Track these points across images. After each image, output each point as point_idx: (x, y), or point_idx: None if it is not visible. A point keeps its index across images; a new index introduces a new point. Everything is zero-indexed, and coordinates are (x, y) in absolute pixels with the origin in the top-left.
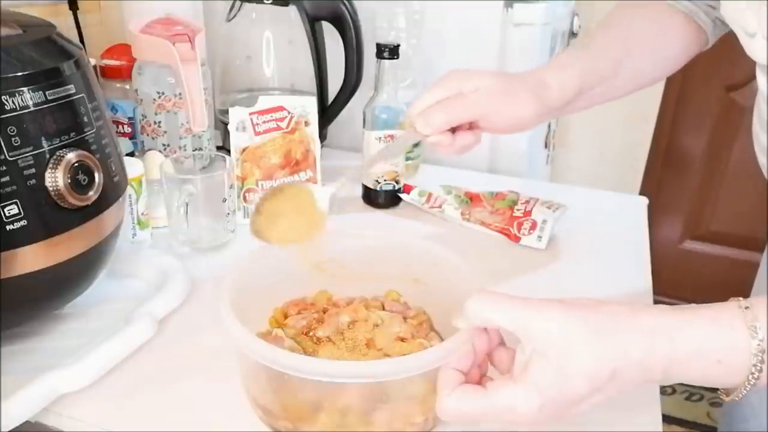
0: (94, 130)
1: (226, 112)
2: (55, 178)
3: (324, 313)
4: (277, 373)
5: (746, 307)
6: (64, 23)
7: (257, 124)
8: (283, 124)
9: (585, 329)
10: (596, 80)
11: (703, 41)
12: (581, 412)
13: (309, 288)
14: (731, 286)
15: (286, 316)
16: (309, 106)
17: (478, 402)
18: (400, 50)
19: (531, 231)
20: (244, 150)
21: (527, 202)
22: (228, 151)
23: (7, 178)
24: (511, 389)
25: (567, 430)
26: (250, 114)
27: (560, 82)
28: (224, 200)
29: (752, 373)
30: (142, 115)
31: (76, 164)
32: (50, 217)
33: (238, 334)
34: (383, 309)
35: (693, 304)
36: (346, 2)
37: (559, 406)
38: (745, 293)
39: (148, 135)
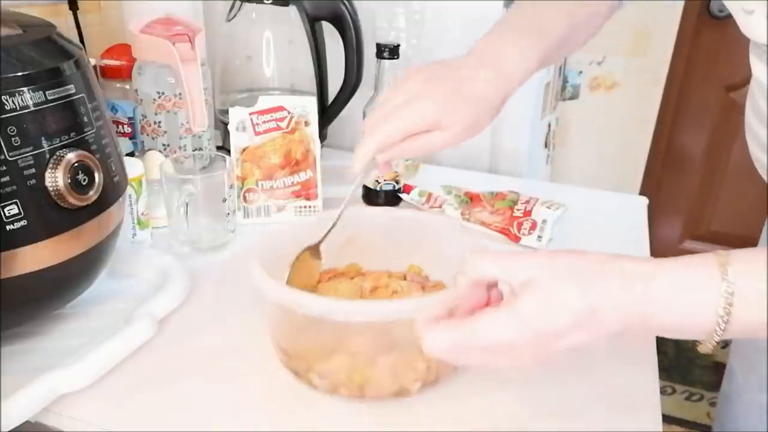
0: (94, 130)
1: (226, 112)
2: (55, 178)
3: (351, 279)
4: (297, 319)
5: (723, 255)
6: (64, 23)
7: (257, 124)
8: (283, 124)
9: (570, 270)
10: (552, 53)
11: None
12: (562, 351)
13: (339, 261)
14: None
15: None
16: (309, 106)
17: (460, 329)
18: (400, 50)
19: (531, 231)
20: (244, 150)
21: (527, 202)
22: (228, 151)
23: (7, 178)
24: (495, 314)
25: (567, 430)
26: (250, 114)
27: (524, 76)
28: (224, 200)
29: (721, 316)
30: (142, 115)
31: (76, 164)
32: (50, 217)
33: (263, 280)
34: (404, 280)
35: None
36: (346, 2)
37: (539, 336)
38: None
39: (148, 135)
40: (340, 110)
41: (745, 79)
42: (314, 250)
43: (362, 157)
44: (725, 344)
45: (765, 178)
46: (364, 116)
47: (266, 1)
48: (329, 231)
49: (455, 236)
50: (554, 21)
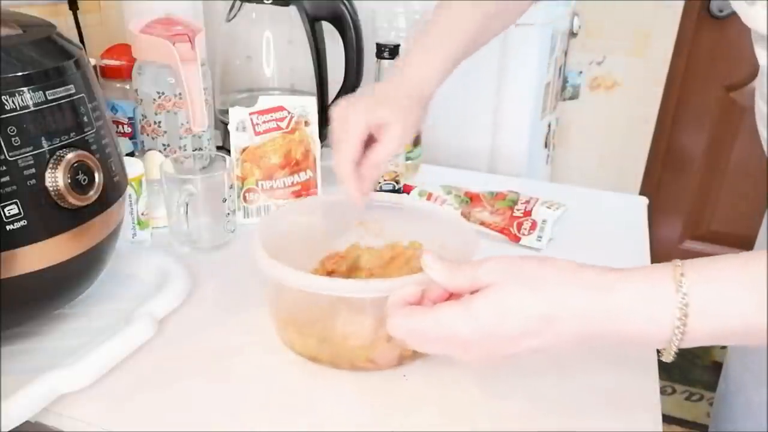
0: (94, 130)
1: (226, 112)
2: (55, 178)
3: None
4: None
5: (679, 265)
6: (64, 23)
7: (257, 124)
8: (283, 124)
9: (529, 276)
10: (466, 55)
11: None
12: (519, 356)
13: (344, 244)
14: None
15: (328, 272)
16: (309, 106)
17: (423, 318)
18: (400, 50)
19: (531, 231)
20: (244, 150)
21: (527, 202)
22: (228, 151)
23: (7, 178)
24: (456, 310)
25: (567, 430)
26: (250, 114)
27: (436, 85)
28: (224, 200)
29: (677, 327)
30: (142, 115)
31: (76, 164)
32: (50, 217)
33: (261, 257)
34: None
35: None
36: (346, 2)
37: (493, 341)
38: None
39: (148, 135)
40: None
41: (745, 79)
42: None
43: (349, 185)
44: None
45: None
46: None
47: (266, 1)
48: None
49: (453, 227)
50: (464, 23)
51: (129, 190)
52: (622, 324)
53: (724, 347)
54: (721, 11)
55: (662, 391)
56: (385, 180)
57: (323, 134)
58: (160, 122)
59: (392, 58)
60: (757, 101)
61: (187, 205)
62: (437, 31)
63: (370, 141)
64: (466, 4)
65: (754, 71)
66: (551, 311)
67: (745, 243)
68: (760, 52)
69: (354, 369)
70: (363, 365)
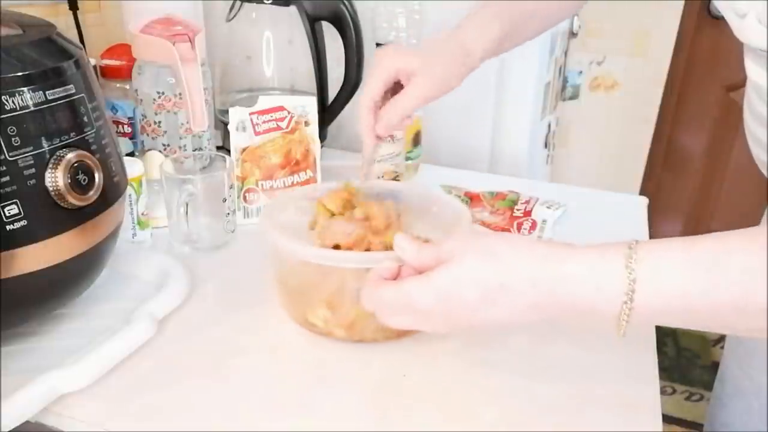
0: (94, 130)
1: (226, 112)
2: (55, 178)
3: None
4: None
5: (634, 242)
6: (64, 23)
7: (257, 124)
8: (283, 124)
9: (486, 249)
10: (513, 30)
11: None
12: (479, 326)
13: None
14: None
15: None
16: (309, 106)
17: (388, 289)
18: None
19: (531, 231)
20: (244, 150)
21: (527, 202)
22: (228, 151)
23: (7, 178)
24: (418, 281)
25: (567, 430)
26: (250, 114)
27: (483, 46)
28: (224, 200)
29: (625, 302)
30: (142, 115)
31: (76, 164)
32: (50, 217)
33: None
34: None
35: None
36: (346, 2)
37: (451, 310)
38: None
39: (148, 135)
40: (340, 110)
41: (745, 80)
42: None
43: (364, 122)
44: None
45: (767, 175)
46: None
47: (266, 1)
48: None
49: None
50: (509, 8)
51: (129, 190)
52: (571, 293)
53: (722, 347)
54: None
55: (662, 391)
56: (385, 180)
57: (323, 134)
58: (160, 122)
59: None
60: (748, 123)
61: (187, 205)
62: (488, 5)
63: (399, 88)
64: None
65: None
66: (504, 280)
67: None
68: (751, 66)
69: (363, 340)
70: (371, 335)
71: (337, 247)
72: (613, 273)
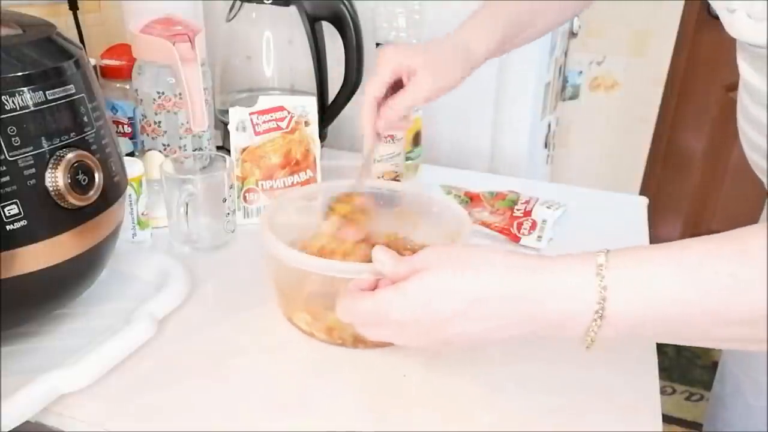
0: (94, 130)
1: (226, 112)
2: (55, 178)
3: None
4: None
5: (604, 252)
6: (64, 23)
7: (257, 124)
8: (283, 124)
9: (459, 261)
10: (515, 31)
11: None
12: (451, 341)
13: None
14: None
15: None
16: (309, 106)
17: (363, 301)
18: None
19: (531, 231)
20: (244, 150)
21: (527, 202)
22: (228, 151)
23: (7, 178)
24: (390, 292)
25: (567, 430)
26: (250, 114)
27: (486, 46)
28: (224, 200)
29: (596, 311)
30: (142, 115)
31: (76, 164)
32: (50, 217)
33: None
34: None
35: None
36: (346, 2)
37: (423, 322)
38: None
39: (148, 135)
40: (340, 110)
41: None
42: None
43: (367, 119)
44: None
45: (763, 180)
46: None
47: (266, 1)
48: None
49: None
50: (509, 11)
51: (129, 190)
52: (542, 303)
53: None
54: None
55: (662, 391)
56: (385, 180)
57: (323, 134)
58: (160, 122)
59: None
60: (741, 124)
61: (187, 205)
62: (491, 9)
63: (401, 85)
64: None
65: None
66: (476, 292)
67: None
68: (743, 66)
69: (345, 344)
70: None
71: (322, 250)
72: (584, 282)
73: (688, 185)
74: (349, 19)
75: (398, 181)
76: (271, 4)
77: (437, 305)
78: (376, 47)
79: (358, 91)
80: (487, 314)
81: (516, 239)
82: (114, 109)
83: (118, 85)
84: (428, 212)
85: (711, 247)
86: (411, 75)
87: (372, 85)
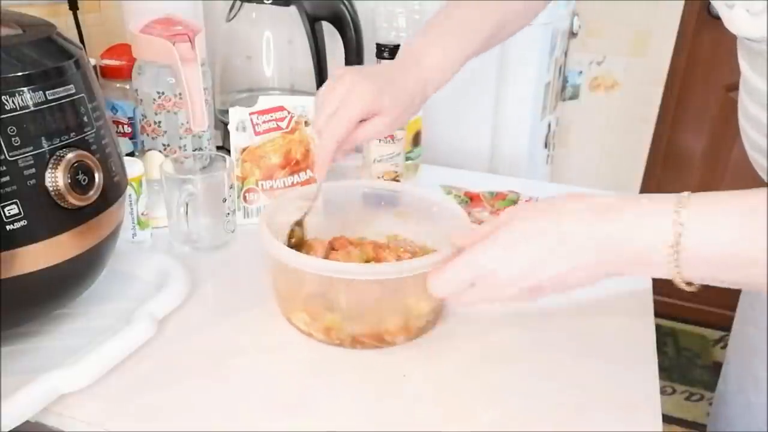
0: (94, 130)
1: (226, 112)
2: (55, 178)
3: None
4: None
5: (686, 195)
6: (64, 23)
7: (257, 124)
8: (283, 124)
9: (543, 207)
10: (479, 49)
11: None
12: (548, 283)
13: (325, 233)
14: None
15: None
16: (309, 106)
17: (452, 263)
18: (400, 50)
19: None
20: (244, 150)
21: (527, 202)
22: (228, 151)
23: (7, 178)
24: (481, 243)
25: (567, 430)
26: (250, 114)
27: (442, 76)
28: (224, 200)
29: (671, 246)
30: (142, 115)
31: (76, 164)
32: (50, 217)
33: (267, 241)
34: (388, 248)
35: None
36: (346, 2)
37: (517, 264)
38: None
39: (148, 135)
40: None
41: None
42: (299, 224)
43: (324, 160)
44: (724, 344)
45: (764, 178)
46: None
47: (266, 1)
48: (308, 211)
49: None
50: (480, 22)
51: (129, 190)
52: (626, 238)
53: (724, 347)
54: None
55: (662, 391)
56: (384, 180)
57: None
58: (160, 122)
59: (392, 58)
60: (741, 123)
61: (187, 205)
62: (455, 28)
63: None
64: (482, 4)
65: None
66: (563, 230)
67: None
68: (742, 64)
69: (343, 345)
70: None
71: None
72: (663, 216)
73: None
74: (349, 19)
75: (398, 181)
76: (271, 4)
77: (529, 245)
78: (376, 47)
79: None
80: (575, 251)
81: None
82: (114, 109)
83: (118, 85)
84: (428, 212)
85: None
86: (374, 114)
87: (338, 130)
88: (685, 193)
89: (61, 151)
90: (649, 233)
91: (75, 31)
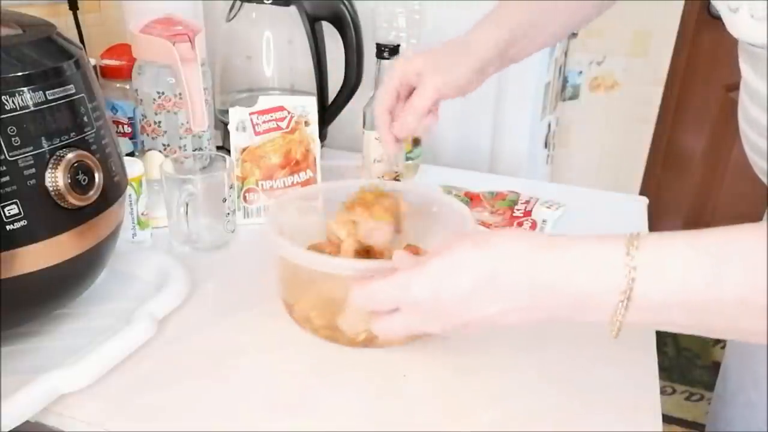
0: (94, 130)
1: (226, 112)
2: (55, 178)
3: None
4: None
5: (636, 233)
6: (64, 23)
7: (257, 124)
8: (283, 124)
9: (481, 238)
10: (524, 32)
11: None
12: (471, 321)
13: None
14: None
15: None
16: (309, 106)
17: (379, 281)
18: (400, 50)
19: (531, 231)
20: (244, 150)
21: (527, 202)
22: (228, 151)
23: (7, 178)
24: (408, 270)
25: (567, 430)
26: (250, 114)
27: (486, 43)
28: (224, 200)
29: (623, 291)
30: (142, 115)
31: (76, 164)
32: (50, 217)
33: (273, 238)
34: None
35: None
36: (346, 2)
37: (444, 299)
38: None
39: (148, 135)
40: (340, 110)
41: None
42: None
43: (380, 121)
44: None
45: (764, 180)
46: (363, 116)
47: (266, 1)
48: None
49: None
50: (513, 14)
51: (129, 190)
52: (567, 281)
53: (723, 347)
54: None
55: (662, 391)
56: (385, 180)
57: (323, 134)
58: (160, 122)
59: (392, 58)
60: (742, 126)
61: (187, 205)
62: (500, 6)
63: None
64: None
65: None
66: (496, 266)
67: None
68: (743, 67)
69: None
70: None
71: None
72: (612, 261)
73: (688, 185)
74: (349, 19)
75: (398, 181)
76: (271, 4)
77: (457, 279)
78: (376, 47)
79: (358, 91)
80: (507, 291)
81: None
82: (114, 109)
83: (118, 85)
84: (428, 212)
85: (743, 234)
86: (419, 78)
87: (380, 98)
88: (635, 233)
89: (61, 151)
90: (596, 276)
91: (75, 31)
